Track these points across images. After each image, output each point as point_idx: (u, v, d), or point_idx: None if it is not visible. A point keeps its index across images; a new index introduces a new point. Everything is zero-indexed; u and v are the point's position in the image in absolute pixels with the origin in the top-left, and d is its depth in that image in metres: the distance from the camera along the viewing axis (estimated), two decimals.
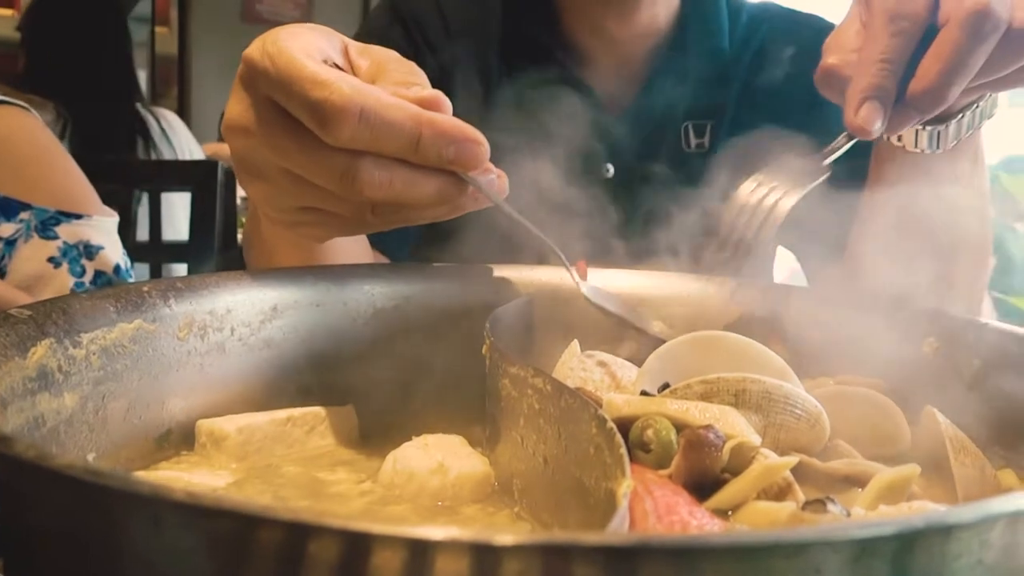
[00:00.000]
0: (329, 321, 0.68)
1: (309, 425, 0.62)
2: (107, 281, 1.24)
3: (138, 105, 2.16)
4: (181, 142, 2.21)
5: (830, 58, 0.64)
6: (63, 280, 1.19)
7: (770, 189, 0.63)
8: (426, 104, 0.54)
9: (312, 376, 0.67)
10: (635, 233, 0.78)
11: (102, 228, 1.26)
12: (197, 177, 1.78)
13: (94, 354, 0.53)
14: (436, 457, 0.55)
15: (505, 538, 0.23)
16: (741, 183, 0.65)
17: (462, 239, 0.90)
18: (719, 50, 1.09)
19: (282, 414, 0.61)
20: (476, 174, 0.56)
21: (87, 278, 1.22)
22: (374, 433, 0.64)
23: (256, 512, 0.25)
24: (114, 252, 1.26)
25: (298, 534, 0.25)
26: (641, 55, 1.09)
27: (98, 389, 0.53)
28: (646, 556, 0.24)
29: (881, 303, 0.62)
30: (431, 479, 0.54)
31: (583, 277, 0.73)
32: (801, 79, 0.75)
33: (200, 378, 0.61)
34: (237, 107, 0.56)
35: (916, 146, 0.73)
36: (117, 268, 1.26)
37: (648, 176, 1.04)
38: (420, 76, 0.58)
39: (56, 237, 1.20)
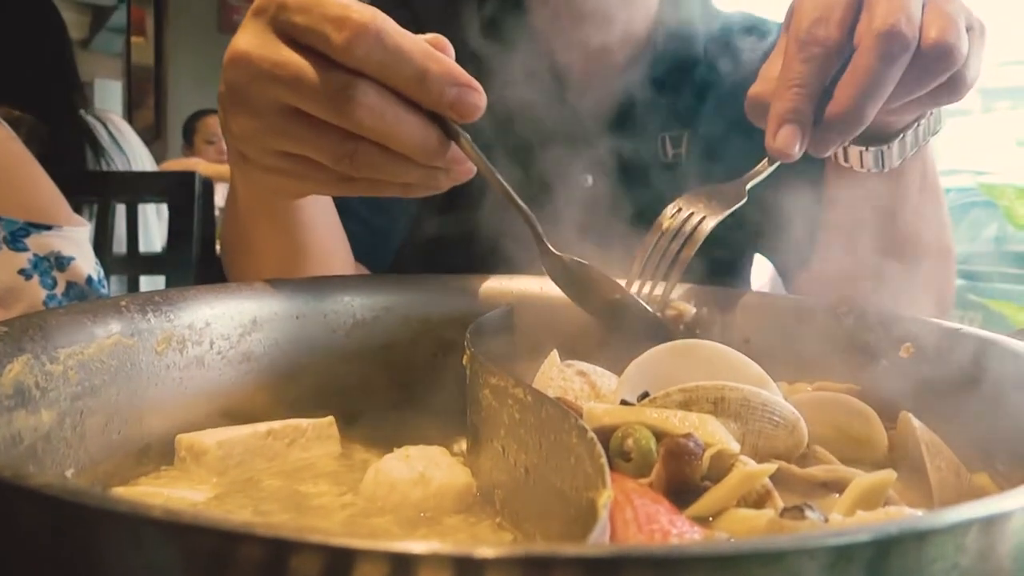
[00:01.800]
0: (309, 333, 0.68)
1: (290, 438, 0.62)
2: (79, 292, 1.23)
3: (83, 112, 2.11)
4: (133, 149, 2.16)
5: (756, 87, 0.66)
6: (34, 292, 1.17)
7: (691, 213, 0.65)
8: (433, 45, 0.56)
9: (292, 389, 0.67)
10: (615, 242, 0.79)
11: (73, 238, 1.24)
12: (174, 188, 1.77)
13: (72, 369, 0.52)
14: (417, 468, 0.54)
15: (486, 551, 0.23)
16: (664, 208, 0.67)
17: (442, 251, 0.90)
18: (694, 60, 1.10)
19: (262, 427, 0.61)
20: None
21: (59, 290, 1.21)
22: (355, 445, 0.64)
23: (235, 529, 0.25)
24: (86, 263, 1.25)
25: (279, 550, 0.25)
26: (617, 66, 1.09)
27: (76, 405, 0.53)
28: (626, 567, 0.24)
29: (855, 309, 0.63)
30: (413, 490, 0.53)
31: None
32: None
33: (179, 392, 0.61)
34: (245, 37, 0.57)
35: (862, 167, 0.74)
36: (89, 279, 1.24)
37: (627, 186, 1.05)
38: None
39: (26, 249, 1.18)
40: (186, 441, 0.59)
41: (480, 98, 0.55)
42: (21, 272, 1.17)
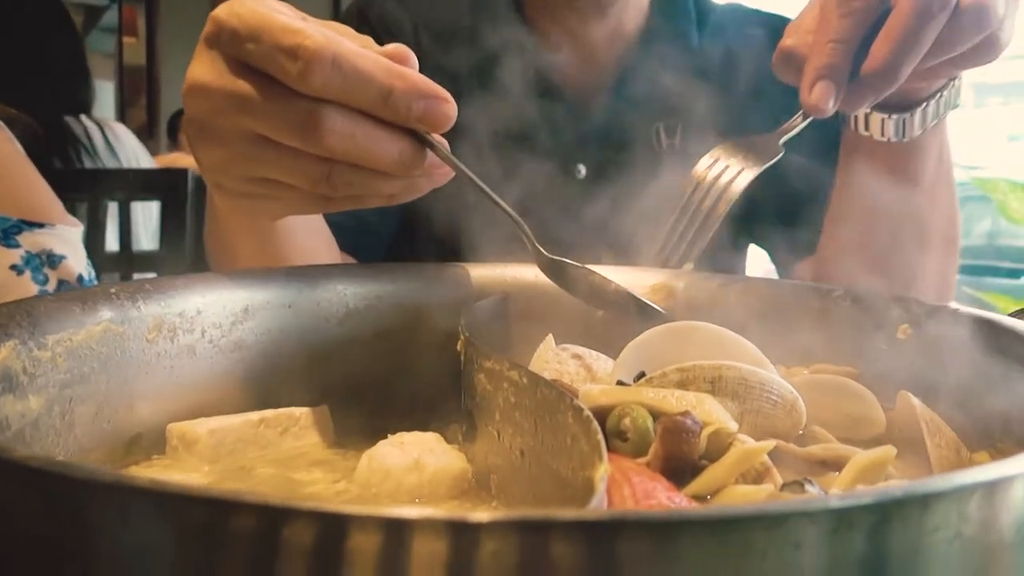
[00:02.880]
0: (301, 322, 0.67)
1: (283, 426, 0.61)
2: (70, 290, 1.21)
3: (83, 116, 2.11)
4: (128, 153, 2.16)
5: (787, 40, 0.65)
6: (26, 288, 1.17)
7: (727, 166, 0.63)
8: (392, 57, 0.54)
9: (285, 377, 0.66)
10: (608, 231, 0.78)
11: (65, 237, 1.25)
12: (166, 186, 1.76)
13: (60, 356, 0.52)
14: (412, 454, 0.54)
15: (481, 516, 0.23)
16: (698, 159, 0.66)
17: (436, 239, 0.90)
18: (688, 51, 1.09)
19: (255, 416, 0.60)
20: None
21: (50, 286, 1.21)
22: (349, 433, 0.64)
23: (225, 498, 0.25)
24: (77, 262, 1.25)
25: (271, 519, 0.25)
26: (611, 57, 1.09)
27: (64, 392, 0.52)
28: (624, 531, 0.23)
29: (852, 292, 0.62)
30: (407, 476, 0.53)
31: None
32: (770, 78, 0.76)
33: (170, 381, 0.60)
34: (200, 67, 0.55)
35: (883, 135, 0.73)
36: (80, 278, 1.25)
37: (620, 176, 1.04)
38: (375, 47, 0.57)
39: (18, 246, 1.19)
40: (177, 430, 0.58)
41: (450, 108, 0.54)
42: (12, 268, 1.18)
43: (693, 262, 0.64)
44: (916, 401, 0.49)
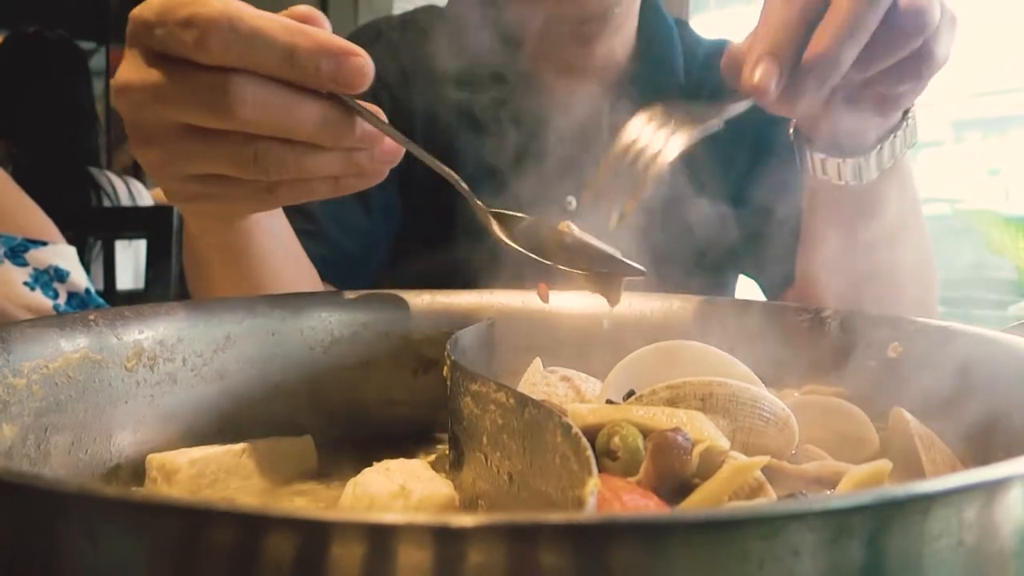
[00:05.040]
0: (285, 350, 0.66)
1: (265, 456, 0.60)
2: (81, 301, 1.27)
3: (108, 172, 2.15)
4: (147, 204, 2.20)
5: (735, 45, 0.64)
6: (41, 302, 1.21)
7: (663, 125, 0.60)
8: (299, 18, 0.53)
9: (268, 407, 0.65)
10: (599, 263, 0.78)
11: (66, 254, 1.29)
12: (151, 223, 1.75)
13: (36, 384, 0.51)
14: (397, 481, 0.53)
15: (465, 520, 0.22)
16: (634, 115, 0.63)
17: (421, 271, 0.89)
18: (675, 86, 1.10)
19: (237, 446, 0.59)
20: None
21: (61, 299, 1.24)
22: (333, 463, 0.62)
23: (200, 508, 0.24)
24: (81, 277, 1.29)
25: (248, 530, 0.23)
26: (599, 89, 1.10)
27: (40, 421, 0.51)
28: (615, 535, 0.22)
29: (841, 312, 0.62)
30: (393, 503, 0.52)
31: (544, 300, 0.72)
32: (754, 116, 0.77)
33: (150, 410, 0.59)
34: (123, 67, 0.55)
35: (840, 179, 0.74)
36: (88, 291, 1.29)
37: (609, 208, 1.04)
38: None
39: (26, 264, 1.22)
40: (157, 460, 0.56)
41: (364, 63, 0.52)
42: (25, 284, 1.21)
43: (620, 220, 0.61)
44: (910, 416, 0.49)
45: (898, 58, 0.62)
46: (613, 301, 0.58)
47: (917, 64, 0.63)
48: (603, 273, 0.58)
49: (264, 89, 0.51)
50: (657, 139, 0.59)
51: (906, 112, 0.74)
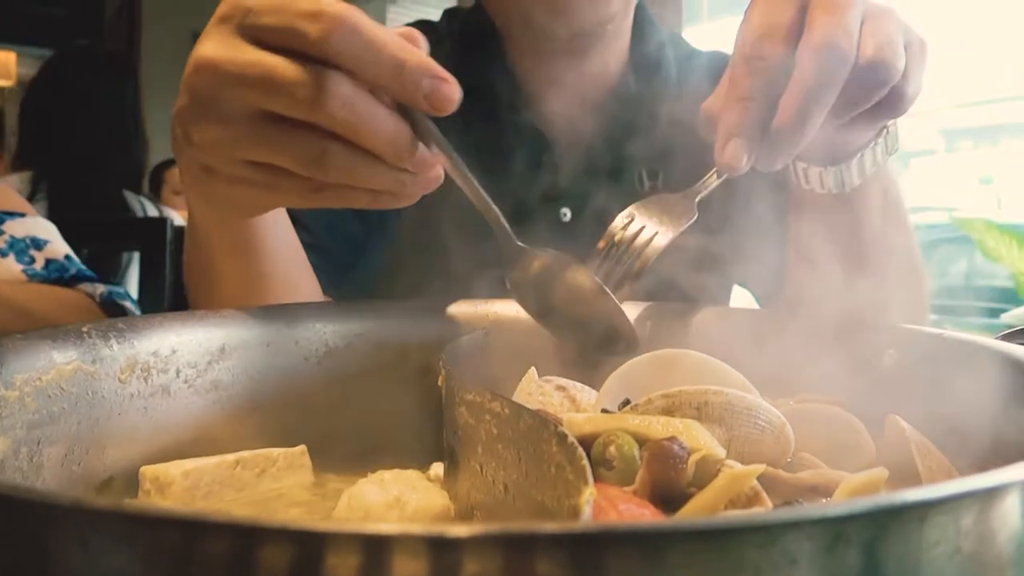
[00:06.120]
0: (280, 361, 0.66)
1: (260, 468, 0.59)
2: (60, 266, 1.28)
3: (142, 198, 2.16)
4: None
5: (708, 101, 0.67)
6: (10, 267, 1.22)
7: (643, 226, 0.64)
8: (406, 38, 0.55)
9: (263, 418, 0.65)
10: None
11: (45, 227, 1.31)
12: (146, 236, 1.75)
13: (29, 396, 0.50)
14: (392, 492, 0.53)
15: (460, 530, 0.22)
16: (613, 218, 0.67)
17: (418, 276, 0.89)
18: (667, 98, 1.11)
19: (231, 457, 0.58)
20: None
21: (38, 265, 1.26)
22: (328, 475, 0.62)
23: (193, 519, 0.23)
24: (61, 246, 1.31)
25: (243, 541, 0.23)
26: (593, 102, 1.10)
27: (33, 433, 0.50)
28: (611, 544, 0.22)
29: (836, 319, 0.62)
30: (388, 514, 0.51)
31: None
32: None
33: (144, 422, 0.59)
34: (210, 44, 0.55)
35: (823, 188, 0.75)
36: (68, 256, 1.30)
37: (604, 220, 1.04)
38: None
39: (2, 233, 1.24)
40: (151, 472, 0.56)
41: (454, 91, 0.54)
42: None
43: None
44: (905, 424, 0.49)
45: (867, 107, 0.63)
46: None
47: (889, 106, 0.65)
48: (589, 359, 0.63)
49: (356, 91, 0.53)
50: (636, 246, 0.64)
51: None
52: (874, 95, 0.63)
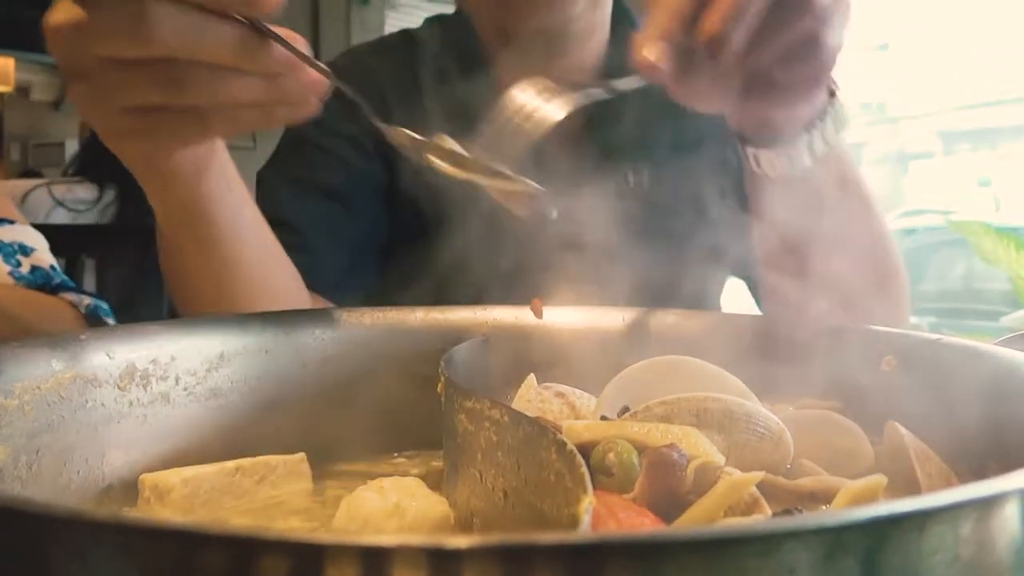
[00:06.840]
0: (279, 368, 0.66)
1: (259, 475, 0.59)
2: (44, 275, 1.30)
3: None
4: None
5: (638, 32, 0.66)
6: None
7: (544, 93, 0.64)
8: None
9: (261, 425, 0.65)
10: (582, 271, 0.78)
11: (32, 236, 1.34)
12: (143, 241, 1.75)
13: (28, 404, 0.50)
14: (392, 499, 0.52)
15: (459, 541, 0.22)
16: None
17: (418, 282, 0.89)
18: (645, 94, 1.10)
19: (230, 464, 0.58)
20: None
21: (24, 269, 1.28)
22: (328, 482, 0.62)
23: (192, 531, 0.23)
24: (46, 255, 1.34)
25: (241, 553, 0.23)
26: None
27: (32, 442, 0.50)
28: (609, 555, 0.22)
29: (834, 325, 0.62)
30: (387, 522, 0.51)
31: (538, 315, 0.72)
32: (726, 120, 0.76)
33: (143, 430, 0.59)
34: (54, 12, 0.57)
35: (775, 170, 0.74)
36: (53, 267, 1.33)
37: (591, 216, 1.04)
38: None
39: None
40: (150, 480, 0.56)
41: None
42: None
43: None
44: (904, 430, 0.49)
45: (788, 41, 0.63)
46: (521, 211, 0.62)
47: (810, 50, 0.64)
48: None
49: (181, 14, 0.54)
50: (542, 102, 0.64)
51: (832, 95, 0.74)
52: (795, 23, 0.62)
